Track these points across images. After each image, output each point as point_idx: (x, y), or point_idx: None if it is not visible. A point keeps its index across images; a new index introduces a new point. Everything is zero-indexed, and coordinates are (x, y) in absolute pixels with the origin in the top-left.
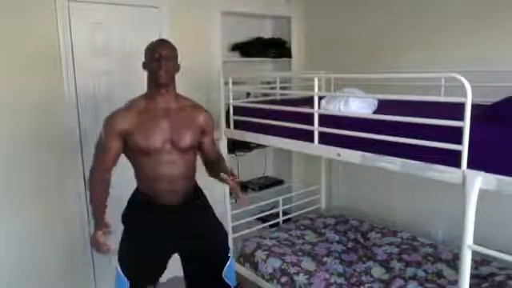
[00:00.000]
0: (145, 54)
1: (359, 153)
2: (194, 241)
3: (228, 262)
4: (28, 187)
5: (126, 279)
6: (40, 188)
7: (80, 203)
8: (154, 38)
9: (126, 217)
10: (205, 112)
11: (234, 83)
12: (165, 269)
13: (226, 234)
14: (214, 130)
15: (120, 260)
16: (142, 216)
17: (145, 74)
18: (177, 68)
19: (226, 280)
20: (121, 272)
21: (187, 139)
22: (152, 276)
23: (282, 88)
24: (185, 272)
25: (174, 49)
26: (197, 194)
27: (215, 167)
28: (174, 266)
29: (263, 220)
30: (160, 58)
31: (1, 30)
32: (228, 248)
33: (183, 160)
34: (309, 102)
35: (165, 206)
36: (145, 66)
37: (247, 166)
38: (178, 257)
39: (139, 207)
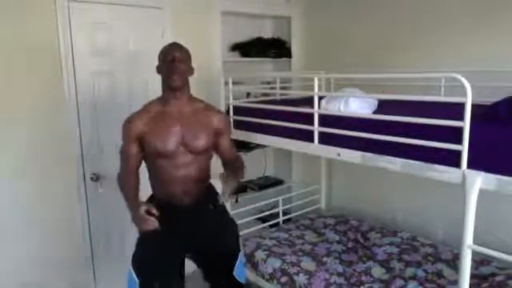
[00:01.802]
0: (158, 57)
1: (359, 153)
2: (206, 242)
3: (238, 260)
4: (28, 187)
5: (136, 279)
6: (40, 188)
7: (80, 203)
8: (155, 39)
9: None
10: (219, 114)
11: (233, 83)
12: (179, 272)
13: (237, 232)
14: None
15: (133, 260)
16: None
17: (146, 75)
18: (190, 71)
19: (237, 277)
20: (133, 272)
21: (200, 142)
22: (163, 277)
23: (282, 88)
24: (201, 270)
25: (186, 51)
26: (210, 194)
27: (229, 168)
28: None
29: (263, 220)
30: (172, 61)
31: (1, 29)
32: (239, 246)
33: (197, 162)
34: (309, 102)
35: (178, 208)
36: (158, 69)
37: (247, 166)
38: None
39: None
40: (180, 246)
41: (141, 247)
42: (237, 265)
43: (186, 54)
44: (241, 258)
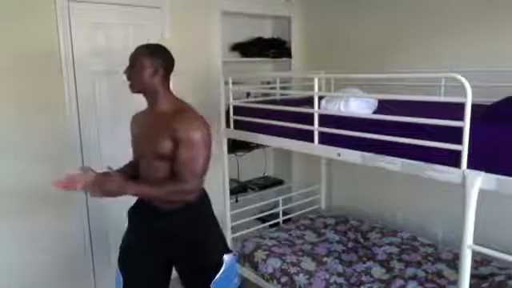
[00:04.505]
0: None
1: (359, 153)
2: (180, 250)
3: (218, 275)
4: (28, 189)
5: (120, 277)
6: (40, 189)
7: (80, 204)
8: (155, 38)
9: (128, 214)
10: (183, 123)
11: (233, 83)
12: (160, 275)
13: (217, 248)
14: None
15: (118, 257)
16: (136, 216)
17: None
18: (142, 75)
19: None
20: (118, 268)
21: (159, 148)
22: (145, 276)
23: (282, 88)
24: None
25: (136, 56)
26: (194, 201)
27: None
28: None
29: (263, 220)
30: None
31: (0, 30)
32: (220, 262)
33: (164, 167)
34: (309, 101)
35: (156, 210)
36: None
37: (247, 166)
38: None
39: (137, 207)
40: (159, 251)
41: (123, 243)
42: (216, 279)
43: (134, 59)
44: (226, 270)
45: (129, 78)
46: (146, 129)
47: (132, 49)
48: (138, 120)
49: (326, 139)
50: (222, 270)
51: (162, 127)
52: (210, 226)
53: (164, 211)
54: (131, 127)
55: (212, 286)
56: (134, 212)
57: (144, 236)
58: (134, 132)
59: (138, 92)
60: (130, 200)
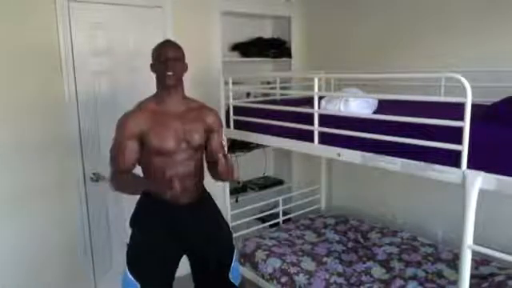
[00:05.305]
0: (152, 55)
1: (359, 153)
2: (203, 241)
3: (233, 263)
4: (29, 188)
5: (136, 282)
6: (40, 189)
7: (80, 204)
8: (155, 38)
9: (137, 219)
10: (212, 112)
11: (233, 83)
12: (174, 272)
13: (231, 234)
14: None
15: (129, 264)
16: (154, 216)
17: (147, 74)
18: (184, 68)
19: (232, 280)
20: (130, 276)
21: (197, 138)
22: (163, 278)
23: (282, 88)
24: (193, 273)
25: (180, 49)
26: (206, 193)
27: (214, 169)
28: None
29: (263, 220)
30: (167, 61)
31: (1, 29)
32: (233, 248)
33: (195, 159)
34: (309, 102)
35: (177, 206)
36: (152, 67)
37: (247, 166)
38: (185, 257)
39: (151, 208)
40: (178, 246)
41: (139, 247)
42: (232, 267)
43: (179, 52)
44: (236, 258)
45: (175, 71)
46: (177, 122)
47: (132, 49)
48: (146, 118)
49: (325, 139)
50: (234, 258)
51: (196, 119)
52: (221, 216)
53: (181, 206)
54: (137, 128)
55: (230, 275)
56: (155, 212)
57: (162, 234)
58: (160, 130)
59: (176, 85)
60: (131, 199)
